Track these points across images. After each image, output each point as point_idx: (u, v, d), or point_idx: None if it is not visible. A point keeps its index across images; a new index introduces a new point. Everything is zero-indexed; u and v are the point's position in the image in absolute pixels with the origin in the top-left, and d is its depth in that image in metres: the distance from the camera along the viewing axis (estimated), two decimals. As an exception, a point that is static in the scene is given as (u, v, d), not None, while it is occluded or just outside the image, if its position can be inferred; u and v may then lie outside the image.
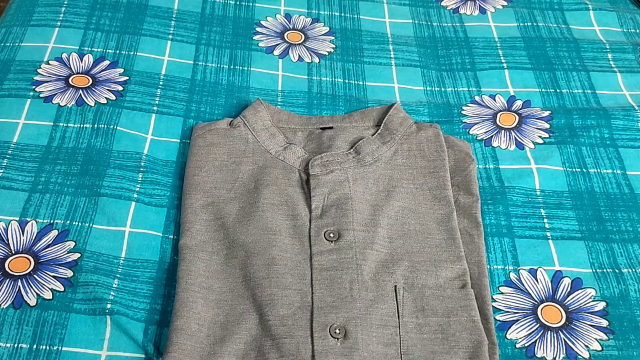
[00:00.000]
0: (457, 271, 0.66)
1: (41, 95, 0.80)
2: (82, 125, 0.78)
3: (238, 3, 0.99)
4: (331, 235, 0.67)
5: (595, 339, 0.64)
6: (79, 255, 0.66)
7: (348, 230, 0.67)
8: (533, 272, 0.69)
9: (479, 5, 1.03)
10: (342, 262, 0.65)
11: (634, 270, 0.69)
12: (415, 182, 0.73)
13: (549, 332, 0.64)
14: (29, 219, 0.68)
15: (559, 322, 0.65)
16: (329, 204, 0.69)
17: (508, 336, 0.64)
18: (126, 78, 0.84)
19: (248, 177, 0.73)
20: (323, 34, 0.96)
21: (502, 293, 0.67)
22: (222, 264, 0.66)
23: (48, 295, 0.63)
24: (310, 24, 0.97)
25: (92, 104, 0.80)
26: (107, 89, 0.82)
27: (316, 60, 0.91)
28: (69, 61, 0.86)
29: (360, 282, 0.63)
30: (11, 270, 0.64)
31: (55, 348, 0.59)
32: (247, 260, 0.65)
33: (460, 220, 0.70)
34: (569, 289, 0.68)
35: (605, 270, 0.69)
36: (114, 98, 0.81)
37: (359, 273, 0.64)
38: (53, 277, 0.64)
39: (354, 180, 0.72)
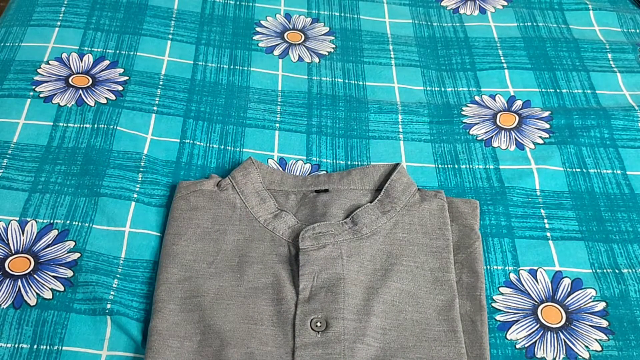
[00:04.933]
0: None
1: (41, 95, 0.80)
2: (82, 125, 0.78)
3: (238, 3, 0.99)
4: (318, 324, 0.60)
5: (595, 339, 0.64)
6: (79, 255, 0.66)
7: (337, 319, 0.60)
8: (533, 273, 0.69)
9: (479, 5, 1.03)
10: (327, 359, 0.58)
11: (634, 270, 0.69)
12: (416, 260, 0.66)
13: (549, 332, 0.64)
14: (28, 219, 0.68)
15: (559, 322, 0.65)
16: (318, 285, 0.62)
17: (508, 337, 0.64)
18: (126, 78, 0.84)
19: (232, 249, 0.66)
20: (323, 34, 0.96)
21: (502, 294, 0.67)
22: (194, 352, 0.59)
23: (48, 295, 0.63)
24: (310, 24, 0.97)
25: (92, 104, 0.80)
26: (107, 89, 0.82)
27: (316, 60, 0.91)
28: (68, 61, 0.85)
29: None
30: (11, 270, 0.64)
31: (55, 348, 0.59)
32: (222, 351, 0.58)
33: (462, 302, 0.64)
34: (569, 290, 0.68)
35: (605, 270, 0.69)
36: (114, 98, 0.81)
37: None
38: (53, 277, 0.64)
39: (348, 257, 0.65)
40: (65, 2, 0.94)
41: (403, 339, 0.61)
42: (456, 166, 0.79)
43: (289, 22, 0.97)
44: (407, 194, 0.71)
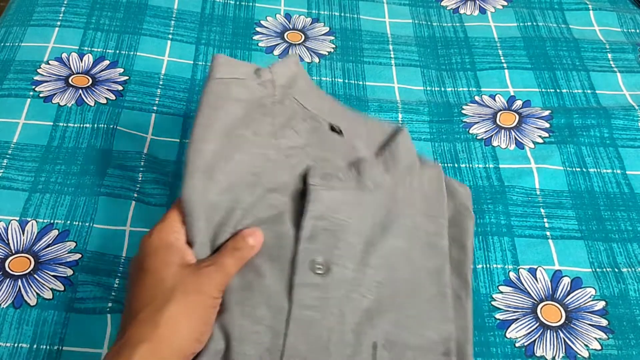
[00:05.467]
0: (442, 333, 0.59)
1: (41, 95, 0.81)
2: (82, 125, 0.78)
3: (238, 3, 0.99)
4: (319, 267, 0.58)
5: (595, 338, 0.64)
6: (79, 254, 0.66)
7: (338, 265, 0.58)
8: (533, 272, 0.69)
9: (479, 5, 1.03)
10: (324, 303, 0.57)
11: (633, 269, 0.70)
12: (413, 220, 0.64)
13: (549, 331, 0.64)
14: (29, 219, 0.69)
15: (559, 321, 0.65)
16: (322, 227, 0.60)
17: (507, 335, 0.64)
18: (126, 78, 0.84)
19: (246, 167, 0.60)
20: (323, 34, 0.96)
21: (501, 292, 0.67)
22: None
23: (48, 294, 0.63)
24: (310, 24, 0.97)
25: (92, 103, 0.80)
26: (107, 89, 0.82)
27: (316, 60, 0.91)
28: (68, 61, 0.86)
29: (339, 332, 0.56)
30: (11, 270, 0.64)
31: (55, 348, 0.60)
32: None
33: (450, 278, 0.63)
34: (568, 288, 0.68)
35: (604, 269, 0.69)
36: (113, 98, 0.81)
37: (340, 322, 0.56)
38: (53, 276, 0.64)
39: (352, 205, 0.62)
40: (65, 2, 0.94)
41: (395, 295, 0.59)
42: (456, 165, 0.79)
43: (289, 22, 0.97)
44: (409, 157, 0.68)
